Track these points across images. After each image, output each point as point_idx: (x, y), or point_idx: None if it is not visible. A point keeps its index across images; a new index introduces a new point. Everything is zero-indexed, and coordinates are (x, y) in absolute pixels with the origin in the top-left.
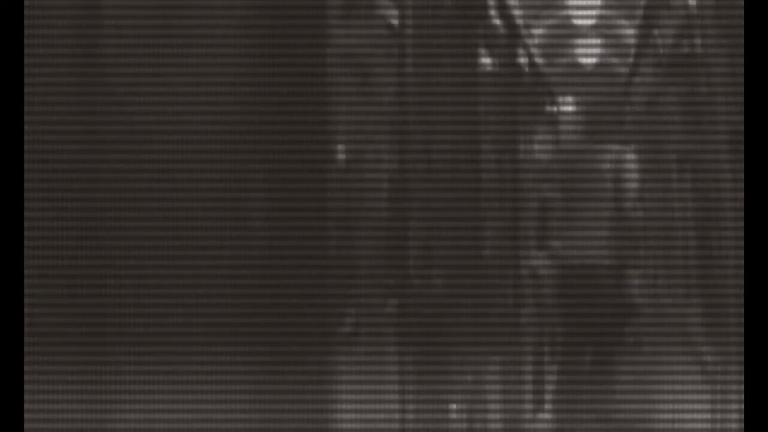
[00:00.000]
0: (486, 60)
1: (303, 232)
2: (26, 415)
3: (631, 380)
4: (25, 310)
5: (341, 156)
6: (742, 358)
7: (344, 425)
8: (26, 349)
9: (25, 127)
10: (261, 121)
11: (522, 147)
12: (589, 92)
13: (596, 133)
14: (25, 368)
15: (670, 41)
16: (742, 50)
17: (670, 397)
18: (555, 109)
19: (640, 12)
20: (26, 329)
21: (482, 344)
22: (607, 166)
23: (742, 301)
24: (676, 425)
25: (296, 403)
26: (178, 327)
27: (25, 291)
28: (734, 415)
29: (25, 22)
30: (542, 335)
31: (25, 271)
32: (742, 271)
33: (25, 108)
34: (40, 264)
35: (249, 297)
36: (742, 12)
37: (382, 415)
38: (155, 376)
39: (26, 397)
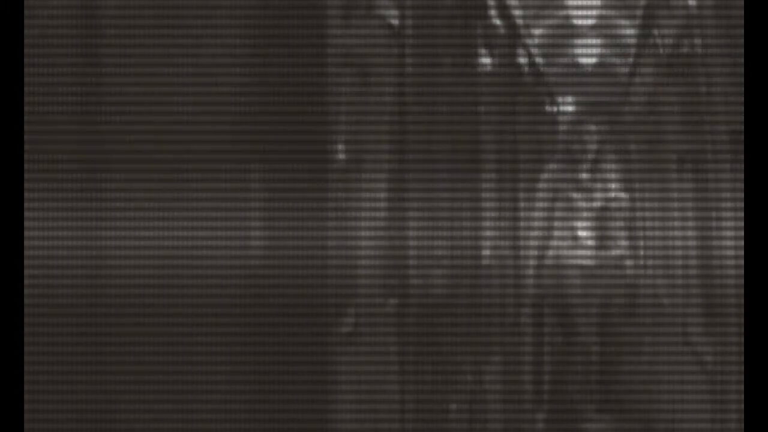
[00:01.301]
0: (486, 60)
1: (303, 232)
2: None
3: (631, 380)
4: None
5: (341, 156)
6: (742, 358)
7: (344, 425)
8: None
9: (26, 127)
10: (261, 121)
11: (522, 147)
12: (588, 92)
13: (596, 133)
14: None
15: (670, 41)
16: (742, 50)
17: (671, 397)
18: (555, 109)
19: (639, 12)
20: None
21: (482, 344)
22: (607, 166)
23: (742, 301)
24: (677, 425)
25: (296, 403)
26: (184, 337)
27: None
28: (734, 415)
29: (25, 22)
30: (542, 335)
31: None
32: (742, 271)
33: (25, 108)
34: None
35: (249, 297)
36: (742, 12)
37: (382, 415)
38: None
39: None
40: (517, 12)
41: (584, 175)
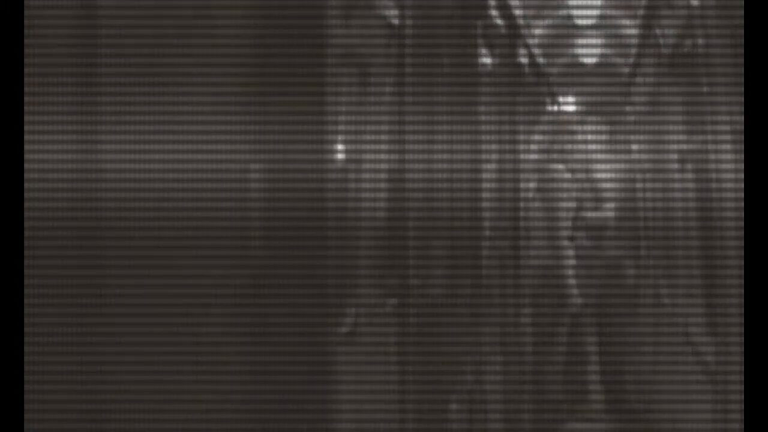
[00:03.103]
0: (486, 59)
1: (303, 232)
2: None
3: (633, 380)
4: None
5: (341, 156)
6: (742, 358)
7: (344, 425)
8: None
9: (26, 127)
10: (260, 121)
11: (522, 146)
12: (590, 91)
13: (596, 132)
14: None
15: (671, 40)
16: (743, 49)
17: (671, 396)
18: (556, 108)
19: (641, 11)
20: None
21: (482, 344)
22: (608, 166)
23: (742, 300)
24: (678, 425)
25: (296, 402)
26: (178, 337)
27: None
28: (735, 415)
29: (25, 22)
30: (542, 335)
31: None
32: (742, 271)
33: (25, 108)
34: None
35: (249, 297)
36: (743, 11)
37: (382, 415)
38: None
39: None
40: (517, 11)
41: (584, 175)
